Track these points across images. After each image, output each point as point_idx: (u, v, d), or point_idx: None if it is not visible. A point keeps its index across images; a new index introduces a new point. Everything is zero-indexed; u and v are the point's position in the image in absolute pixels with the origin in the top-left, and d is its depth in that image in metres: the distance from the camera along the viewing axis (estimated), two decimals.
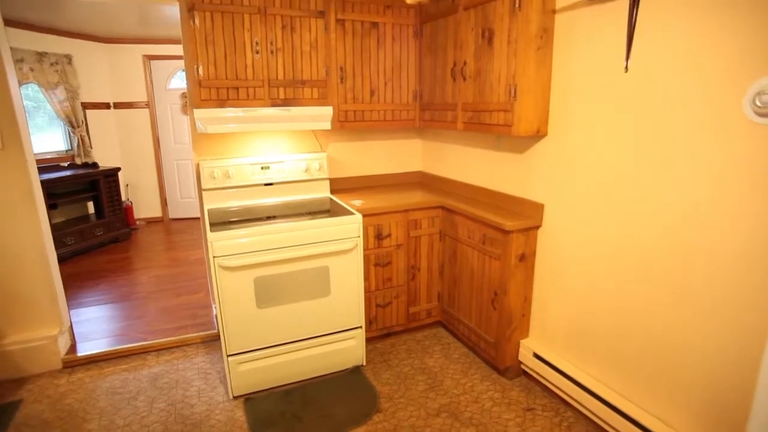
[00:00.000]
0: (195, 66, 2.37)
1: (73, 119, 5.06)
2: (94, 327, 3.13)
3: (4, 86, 2.37)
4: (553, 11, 2.11)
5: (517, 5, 2.06)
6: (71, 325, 2.88)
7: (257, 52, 2.47)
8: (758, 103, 1.39)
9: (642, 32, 1.74)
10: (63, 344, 2.72)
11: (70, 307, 3.11)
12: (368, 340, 2.83)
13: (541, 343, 2.43)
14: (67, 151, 5.21)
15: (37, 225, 2.56)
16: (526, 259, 2.37)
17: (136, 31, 5.08)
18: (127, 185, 5.78)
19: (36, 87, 4.76)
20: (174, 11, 2.73)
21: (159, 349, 2.84)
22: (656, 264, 1.78)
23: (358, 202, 2.73)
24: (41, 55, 4.69)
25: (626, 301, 1.92)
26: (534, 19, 2.06)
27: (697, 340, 1.66)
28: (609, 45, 1.89)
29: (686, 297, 1.68)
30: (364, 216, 2.54)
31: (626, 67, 1.81)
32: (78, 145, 5.13)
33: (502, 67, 2.20)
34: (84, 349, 2.79)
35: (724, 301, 1.56)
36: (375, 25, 2.75)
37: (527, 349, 2.42)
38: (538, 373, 2.37)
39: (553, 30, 2.13)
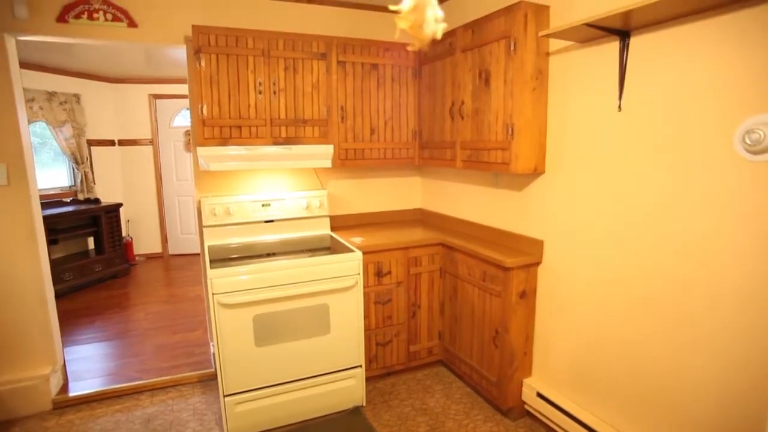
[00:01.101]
0: (200, 105, 2.44)
1: (78, 156, 5.14)
2: (88, 365, 3.07)
3: (14, 126, 2.43)
4: (547, 54, 2.19)
5: (512, 48, 2.14)
6: (64, 363, 2.83)
7: (260, 92, 2.54)
8: (748, 141, 1.42)
9: (633, 73, 1.80)
10: (55, 384, 2.66)
11: (64, 344, 3.06)
12: (368, 380, 2.77)
13: (544, 382, 2.37)
14: (70, 186, 5.26)
15: (36, 262, 2.56)
16: (527, 296, 2.35)
17: (143, 71, 5.24)
18: (128, 221, 5.80)
19: (43, 124, 4.86)
20: (180, 53, 2.83)
21: (153, 389, 2.78)
22: (658, 297, 1.76)
23: (358, 240, 2.74)
24: (51, 95, 4.82)
25: (630, 336, 1.90)
26: (529, 61, 2.13)
27: (702, 373, 1.62)
28: (602, 85, 1.94)
29: (689, 329, 1.66)
30: (364, 253, 2.54)
31: (619, 107, 1.86)
32: (81, 181, 5.19)
33: (499, 107, 2.26)
34: (76, 389, 2.72)
35: (726, 334, 1.54)
36: (375, 66, 2.84)
37: (530, 388, 2.36)
38: (542, 414, 2.30)
39: (547, 71, 2.20)
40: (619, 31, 1.80)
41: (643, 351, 1.84)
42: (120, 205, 5.31)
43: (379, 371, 2.78)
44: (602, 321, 2.02)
